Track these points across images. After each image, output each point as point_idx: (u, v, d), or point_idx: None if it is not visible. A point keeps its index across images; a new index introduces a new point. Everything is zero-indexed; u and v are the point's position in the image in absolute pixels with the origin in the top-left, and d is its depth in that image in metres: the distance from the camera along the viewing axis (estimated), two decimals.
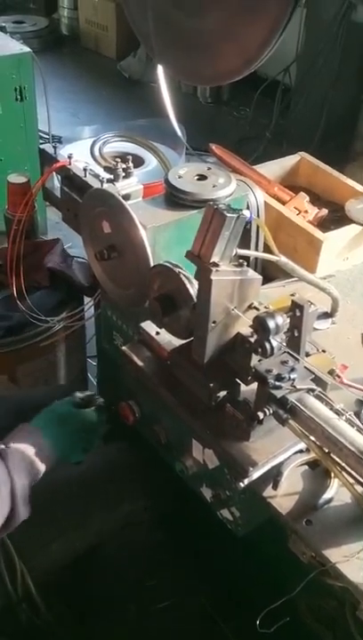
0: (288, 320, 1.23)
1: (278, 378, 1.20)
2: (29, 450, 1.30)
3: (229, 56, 1.48)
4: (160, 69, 1.81)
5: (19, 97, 3.22)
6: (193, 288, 1.32)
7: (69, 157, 1.85)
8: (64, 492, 1.60)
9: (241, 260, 1.27)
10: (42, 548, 1.56)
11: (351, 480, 1.16)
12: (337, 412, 1.20)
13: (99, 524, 1.70)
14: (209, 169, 1.72)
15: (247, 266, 1.26)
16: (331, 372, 1.45)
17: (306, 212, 2.00)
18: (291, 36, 4.40)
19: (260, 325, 1.19)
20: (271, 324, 1.17)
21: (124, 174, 1.70)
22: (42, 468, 1.34)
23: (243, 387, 1.34)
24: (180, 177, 1.68)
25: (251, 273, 1.27)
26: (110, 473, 1.69)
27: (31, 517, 1.28)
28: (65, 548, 1.62)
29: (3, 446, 1.28)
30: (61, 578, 1.72)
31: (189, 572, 1.95)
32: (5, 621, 1.55)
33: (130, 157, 1.75)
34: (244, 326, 1.27)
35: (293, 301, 1.24)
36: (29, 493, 1.28)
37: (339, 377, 1.47)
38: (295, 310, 1.24)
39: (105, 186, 1.69)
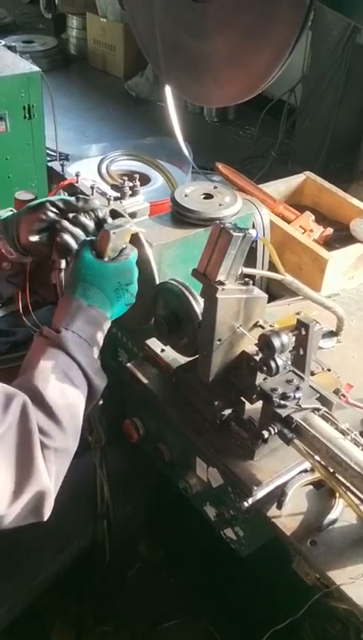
0: (294, 339, 1.23)
1: (284, 397, 1.20)
2: (80, 324, 1.21)
3: (236, 79, 1.50)
4: (168, 90, 1.83)
5: (27, 115, 3.26)
6: (199, 306, 1.32)
7: (77, 175, 1.86)
8: None
9: (247, 279, 1.27)
10: None
11: (357, 501, 1.15)
12: (342, 432, 1.19)
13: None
14: (215, 188, 1.73)
15: (253, 284, 1.27)
16: (336, 392, 1.45)
17: (311, 230, 2.01)
18: (297, 57, 4.45)
19: (265, 344, 1.19)
20: (277, 342, 1.17)
21: (130, 192, 1.71)
22: (103, 332, 1.25)
23: (248, 405, 1.33)
24: (186, 195, 1.70)
25: (257, 291, 1.28)
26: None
27: None
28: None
29: (54, 335, 1.19)
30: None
31: (192, 594, 1.93)
32: None
33: (137, 175, 1.76)
34: (249, 344, 1.27)
35: (298, 320, 1.24)
36: (99, 363, 1.23)
37: (344, 396, 1.46)
38: (301, 329, 1.24)
39: (112, 204, 1.70)
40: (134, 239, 1.43)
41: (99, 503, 1.71)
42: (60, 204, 1.39)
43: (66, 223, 1.35)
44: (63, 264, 1.38)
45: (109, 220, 1.40)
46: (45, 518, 1.11)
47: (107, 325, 1.26)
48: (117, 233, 1.28)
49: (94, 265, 1.26)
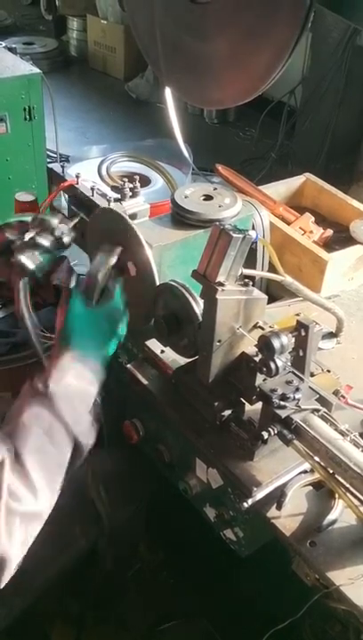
0: (293, 340, 1.24)
1: (283, 397, 1.20)
2: (71, 380, 1.18)
3: (236, 80, 1.50)
4: (168, 91, 1.83)
5: (28, 116, 3.26)
6: (198, 307, 1.32)
7: (77, 176, 1.87)
8: None
9: (247, 280, 1.27)
10: None
11: (356, 502, 1.16)
12: (342, 433, 1.19)
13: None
14: (215, 189, 1.74)
15: (253, 285, 1.27)
16: (336, 393, 1.45)
17: (311, 232, 2.01)
18: (297, 59, 4.46)
19: (265, 345, 1.19)
20: (276, 343, 1.17)
21: (131, 194, 1.72)
22: (94, 388, 1.22)
23: (248, 406, 1.34)
24: (186, 197, 1.70)
25: (256, 292, 1.28)
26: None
27: None
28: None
29: (43, 389, 1.16)
30: None
31: (192, 594, 1.93)
32: None
33: (137, 177, 1.77)
34: (249, 345, 1.28)
35: (298, 321, 1.25)
36: (90, 419, 1.19)
37: (344, 397, 1.47)
38: (300, 330, 1.24)
39: (112, 205, 1.71)
40: (134, 241, 1.44)
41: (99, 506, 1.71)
42: (16, 225, 1.43)
43: (19, 244, 1.39)
44: (21, 284, 1.39)
45: (66, 240, 1.44)
46: (2, 586, 1.05)
47: (100, 376, 1.25)
48: (102, 274, 1.33)
49: (85, 315, 1.28)
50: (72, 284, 1.44)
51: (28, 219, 1.45)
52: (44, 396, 1.14)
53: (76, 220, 1.58)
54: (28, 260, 1.36)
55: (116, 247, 1.43)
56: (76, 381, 1.19)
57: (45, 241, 1.41)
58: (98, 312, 1.30)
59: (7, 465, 1.03)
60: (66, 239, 1.44)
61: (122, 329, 1.33)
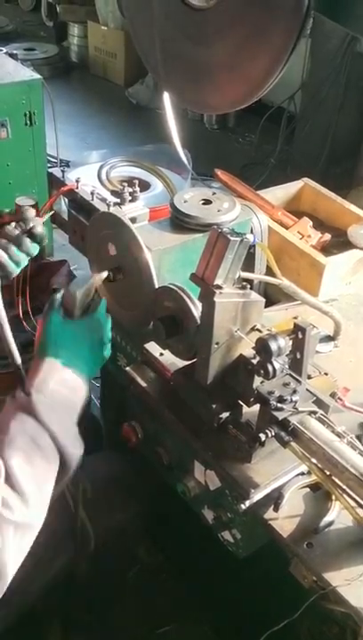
0: (290, 342, 1.25)
1: (280, 400, 1.21)
2: (53, 387, 1.17)
3: (234, 85, 1.52)
4: (166, 97, 1.85)
5: (28, 122, 3.29)
6: (197, 310, 1.33)
7: (77, 181, 1.88)
8: None
9: (244, 283, 1.28)
10: None
11: (353, 503, 1.16)
12: (339, 435, 1.20)
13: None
14: (214, 194, 1.75)
15: (251, 289, 1.28)
16: (333, 395, 1.46)
17: (309, 236, 2.02)
18: (296, 65, 4.49)
19: (262, 347, 1.20)
20: (274, 346, 1.18)
21: (130, 198, 1.73)
22: (79, 398, 1.20)
23: (245, 408, 1.34)
24: (185, 201, 1.71)
25: (254, 295, 1.29)
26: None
27: None
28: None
29: (24, 399, 1.15)
30: None
31: (190, 596, 1.93)
32: None
33: (136, 182, 1.78)
34: (246, 348, 1.28)
35: (295, 324, 1.25)
36: (76, 430, 1.17)
37: (341, 400, 1.48)
38: (298, 333, 1.25)
39: (112, 209, 1.72)
40: (134, 245, 1.45)
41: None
42: None
43: None
44: None
45: (38, 230, 1.40)
46: (1, 593, 1.04)
47: (84, 386, 1.23)
48: (83, 291, 1.30)
49: (64, 325, 1.26)
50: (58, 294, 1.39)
51: (7, 210, 1.43)
52: (27, 405, 1.13)
53: (50, 214, 1.57)
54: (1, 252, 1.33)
55: (103, 272, 1.44)
56: (58, 389, 1.18)
57: (14, 230, 1.38)
58: (77, 323, 1.28)
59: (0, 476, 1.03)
60: (38, 229, 1.40)
61: (106, 346, 1.31)
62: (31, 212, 1.41)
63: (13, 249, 1.35)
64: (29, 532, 1.07)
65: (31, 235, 1.38)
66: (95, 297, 1.36)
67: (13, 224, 1.38)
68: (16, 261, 1.36)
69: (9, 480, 1.04)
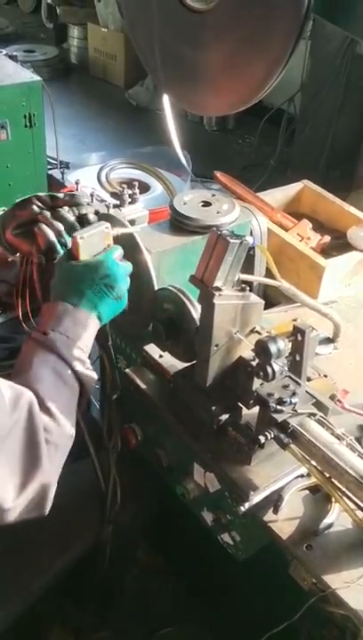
0: (290, 344, 1.25)
1: (280, 402, 1.21)
2: (68, 325, 1.22)
3: (233, 88, 1.52)
4: (166, 99, 1.86)
5: (28, 124, 3.29)
6: (196, 312, 1.34)
7: (77, 183, 1.87)
8: None
9: (244, 285, 1.28)
10: None
11: (352, 505, 1.16)
12: (338, 437, 1.20)
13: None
14: (213, 196, 1.75)
15: (250, 291, 1.28)
16: (332, 397, 1.46)
17: (309, 238, 2.02)
18: (296, 67, 4.50)
19: (261, 349, 1.20)
20: (273, 348, 1.18)
21: (130, 200, 1.73)
22: (87, 335, 1.24)
23: (245, 410, 1.35)
24: (185, 203, 1.72)
25: (253, 297, 1.29)
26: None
27: None
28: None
29: (42, 338, 1.20)
30: None
31: (190, 598, 1.93)
32: None
33: (136, 183, 1.78)
34: (246, 350, 1.29)
35: (294, 326, 1.25)
36: (89, 362, 1.24)
37: (340, 402, 1.48)
38: (297, 335, 1.25)
39: (111, 211, 1.72)
40: (133, 245, 1.45)
41: (108, 508, 1.72)
42: (46, 199, 1.40)
43: (46, 214, 1.37)
44: (42, 259, 1.37)
45: (92, 218, 1.40)
46: (46, 512, 1.14)
47: (94, 325, 1.27)
48: (86, 238, 1.29)
49: (67, 267, 1.29)
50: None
51: (60, 194, 1.44)
52: (47, 343, 1.20)
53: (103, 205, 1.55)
54: (50, 232, 1.34)
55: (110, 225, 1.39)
56: (71, 326, 1.23)
57: (69, 215, 1.38)
58: (77, 265, 1.28)
59: (36, 405, 1.11)
60: (91, 217, 1.41)
61: (109, 282, 1.28)
62: (85, 199, 1.43)
63: (65, 234, 1.37)
64: (63, 452, 1.17)
65: (81, 221, 1.40)
66: (109, 247, 1.33)
67: (66, 208, 1.39)
68: (64, 244, 1.37)
69: (44, 408, 1.13)
